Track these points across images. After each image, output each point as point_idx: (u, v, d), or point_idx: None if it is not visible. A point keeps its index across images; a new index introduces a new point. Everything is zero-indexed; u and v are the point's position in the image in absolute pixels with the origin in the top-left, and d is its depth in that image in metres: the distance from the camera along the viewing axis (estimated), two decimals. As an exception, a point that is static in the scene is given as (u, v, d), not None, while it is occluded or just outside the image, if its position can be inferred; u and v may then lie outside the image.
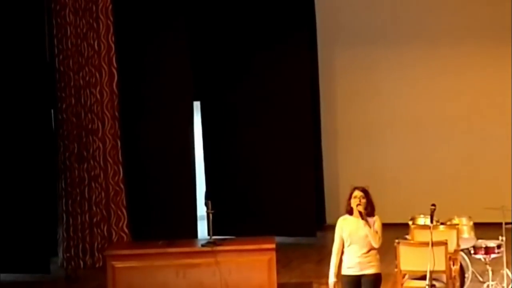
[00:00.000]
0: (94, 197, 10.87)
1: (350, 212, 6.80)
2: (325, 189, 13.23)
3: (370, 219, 6.76)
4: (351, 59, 13.29)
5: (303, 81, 12.29)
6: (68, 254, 10.92)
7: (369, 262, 6.77)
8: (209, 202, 8.83)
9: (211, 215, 8.77)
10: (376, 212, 6.85)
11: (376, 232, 6.73)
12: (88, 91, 10.83)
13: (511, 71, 12.75)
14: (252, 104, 12.29)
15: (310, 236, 12.04)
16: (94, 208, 10.88)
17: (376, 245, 6.75)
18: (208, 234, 9.01)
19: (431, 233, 7.19)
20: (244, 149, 12.35)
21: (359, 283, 6.78)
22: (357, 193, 6.75)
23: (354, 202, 6.75)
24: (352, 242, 6.75)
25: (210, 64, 12.29)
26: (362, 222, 6.71)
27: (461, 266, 8.61)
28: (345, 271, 6.84)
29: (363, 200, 6.73)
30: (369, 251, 6.76)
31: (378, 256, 6.84)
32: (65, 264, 10.93)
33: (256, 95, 12.27)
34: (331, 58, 13.35)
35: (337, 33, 13.31)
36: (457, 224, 8.72)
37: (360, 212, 6.70)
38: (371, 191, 6.90)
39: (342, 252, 6.83)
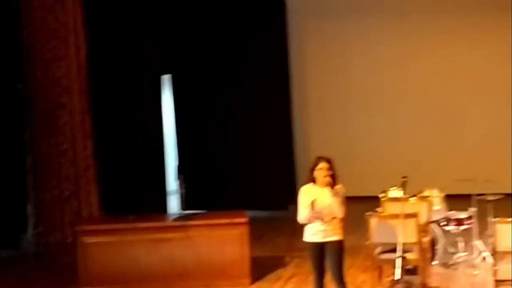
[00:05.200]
0: (63, 172, 10.76)
1: (312, 181, 6.83)
2: (297, 162, 13.21)
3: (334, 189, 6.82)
4: (322, 32, 13.20)
5: (275, 55, 12.22)
6: (38, 230, 10.82)
7: (333, 229, 6.88)
8: (181, 176, 8.77)
9: (183, 190, 8.71)
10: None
11: (341, 202, 6.78)
12: (55, 64, 10.65)
13: (485, 47, 12.82)
14: (224, 77, 12.21)
15: (282, 210, 12.05)
16: (64, 183, 10.77)
17: (340, 216, 6.83)
18: (180, 209, 8.95)
19: (403, 204, 7.20)
20: (216, 124, 12.29)
21: (322, 249, 6.89)
22: (323, 164, 6.82)
23: (320, 174, 6.79)
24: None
25: (181, 36, 12.17)
26: (327, 192, 6.76)
27: (432, 237, 8.66)
28: (309, 238, 6.95)
29: (330, 172, 6.78)
30: (332, 218, 6.84)
31: (341, 224, 6.92)
32: (35, 240, 10.84)
33: (228, 69, 12.19)
34: (301, 32, 13.25)
35: (307, 6, 13.20)
36: (428, 196, 8.75)
37: (330, 185, 6.74)
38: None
39: None
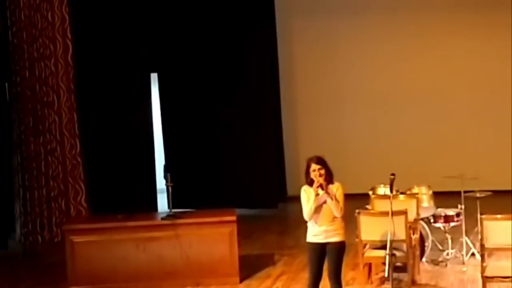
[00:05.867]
0: (51, 171, 10.74)
1: (311, 184, 6.80)
2: (286, 160, 13.22)
3: (331, 187, 6.76)
4: (311, 31, 13.20)
5: (264, 54, 12.20)
6: (25, 229, 10.79)
7: (335, 230, 6.81)
8: (168, 175, 8.73)
9: (170, 188, 8.68)
10: (335, 179, 6.83)
11: (338, 202, 6.74)
12: (42, 63, 10.63)
13: (471, 40, 12.86)
14: (212, 76, 12.18)
15: (271, 208, 12.04)
16: (51, 182, 10.75)
17: (338, 215, 6.78)
18: (168, 207, 8.93)
19: (391, 202, 7.20)
20: (204, 121, 12.25)
21: (323, 250, 6.82)
22: (315, 166, 6.75)
23: (314, 176, 6.73)
24: (316, 211, 6.76)
25: (169, 35, 12.12)
26: (324, 194, 6.70)
27: (421, 235, 8.67)
28: (311, 238, 6.88)
29: (322, 172, 6.73)
30: (334, 219, 6.79)
31: (343, 224, 6.87)
32: (23, 239, 10.81)
33: (216, 67, 12.15)
34: (290, 31, 13.24)
35: (296, 5, 13.20)
36: (417, 193, 8.76)
37: (321, 185, 6.69)
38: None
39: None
